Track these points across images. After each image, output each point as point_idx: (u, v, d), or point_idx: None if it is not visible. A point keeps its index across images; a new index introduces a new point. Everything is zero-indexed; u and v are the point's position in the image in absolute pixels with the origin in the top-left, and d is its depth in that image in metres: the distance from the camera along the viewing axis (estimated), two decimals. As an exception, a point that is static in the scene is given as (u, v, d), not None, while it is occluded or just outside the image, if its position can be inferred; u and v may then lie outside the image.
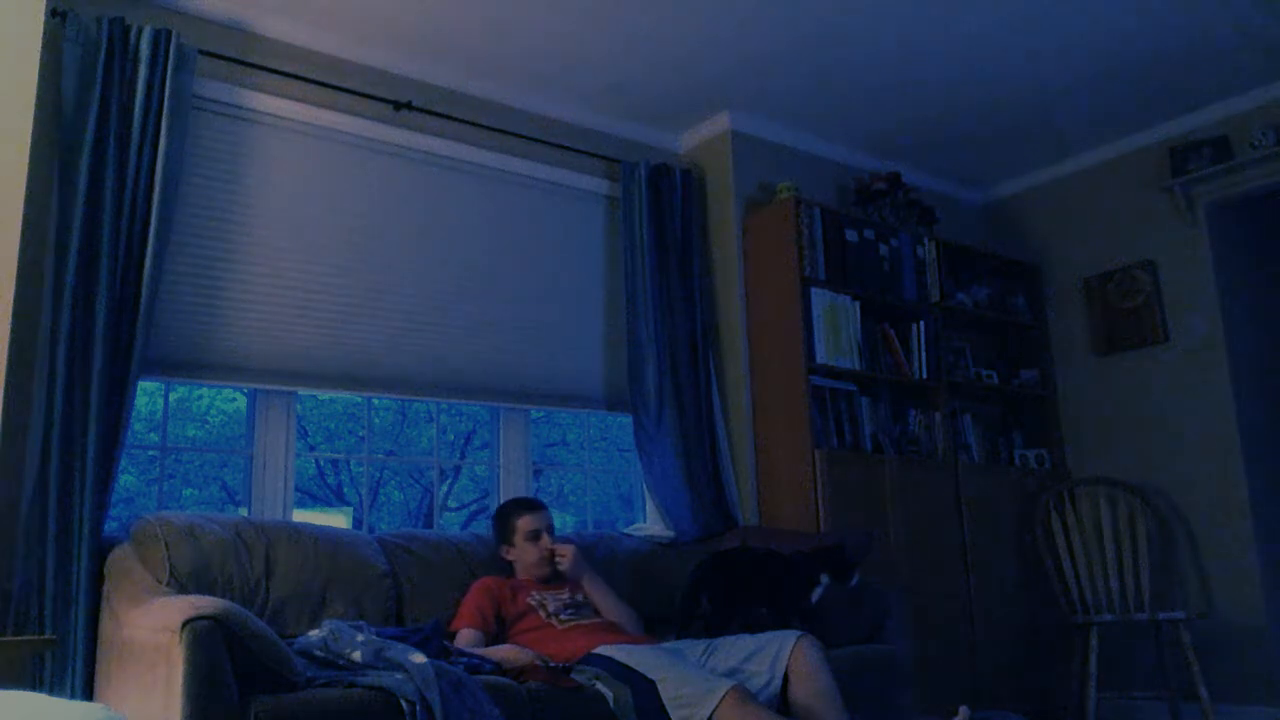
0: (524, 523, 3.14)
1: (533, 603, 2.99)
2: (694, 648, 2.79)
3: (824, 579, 3.10)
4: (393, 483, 7.10)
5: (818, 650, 2.67)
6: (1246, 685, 4.02)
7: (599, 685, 2.48)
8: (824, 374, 3.99)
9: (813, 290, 4.00)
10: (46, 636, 2.53)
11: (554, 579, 3.15)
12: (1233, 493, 4.18)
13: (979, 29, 3.69)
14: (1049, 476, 4.64)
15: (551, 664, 2.58)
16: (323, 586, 2.79)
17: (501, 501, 3.42)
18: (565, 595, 3.07)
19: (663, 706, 2.39)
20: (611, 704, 2.43)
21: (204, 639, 1.99)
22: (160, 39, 3.02)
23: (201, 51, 3.16)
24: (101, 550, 2.68)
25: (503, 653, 2.61)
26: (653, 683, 2.44)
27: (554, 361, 3.89)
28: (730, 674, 2.60)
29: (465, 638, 2.85)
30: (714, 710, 2.33)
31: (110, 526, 2.78)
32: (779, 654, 2.66)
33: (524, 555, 3.13)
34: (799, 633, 2.72)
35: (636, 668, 2.51)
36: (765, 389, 4.05)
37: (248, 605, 2.57)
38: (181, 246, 3.12)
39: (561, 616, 2.96)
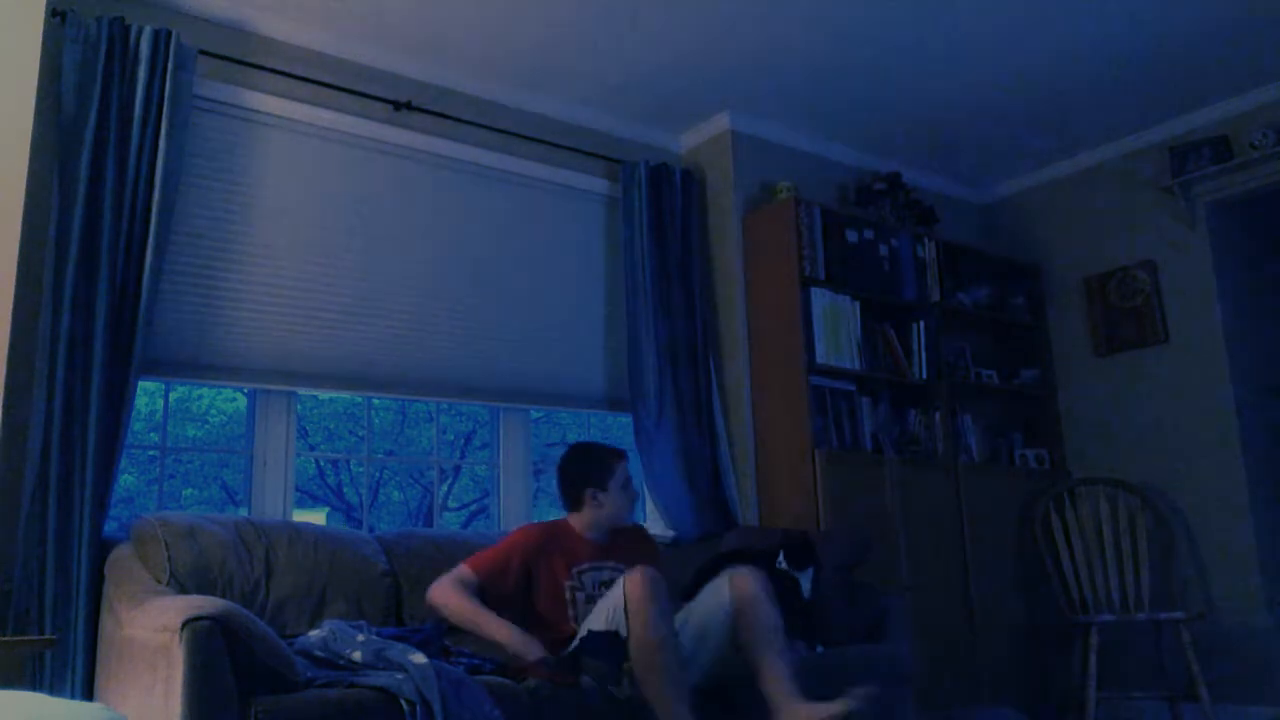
0: (623, 469, 2.96)
1: (570, 585, 2.85)
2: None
3: (785, 564, 3.08)
4: (393, 483, 7.11)
5: (757, 582, 2.63)
6: (1246, 685, 4.02)
7: (585, 677, 2.51)
8: (824, 374, 3.99)
9: (813, 290, 4.00)
10: (46, 636, 2.53)
11: (614, 540, 2.99)
12: (1233, 493, 4.18)
13: (979, 29, 3.69)
14: (1049, 476, 4.64)
15: (553, 661, 2.57)
16: (323, 586, 2.79)
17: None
18: (607, 575, 2.91)
19: (623, 641, 2.46)
20: (595, 679, 2.47)
21: (204, 639, 1.99)
22: (160, 39, 3.02)
23: (201, 51, 3.17)
24: (101, 550, 2.68)
25: (514, 640, 2.60)
26: (605, 632, 2.52)
27: (554, 361, 3.89)
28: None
29: (460, 577, 2.77)
30: (625, 597, 2.45)
31: (110, 526, 2.78)
32: (720, 587, 2.67)
33: (613, 504, 2.94)
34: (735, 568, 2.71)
35: (592, 627, 2.59)
36: (765, 389, 4.05)
37: (248, 605, 2.57)
38: (181, 246, 3.12)
39: (585, 608, 2.83)
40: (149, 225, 2.92)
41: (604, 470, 2.95)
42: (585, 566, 2.90)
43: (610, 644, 2.45)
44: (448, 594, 2.74)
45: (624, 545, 3.01)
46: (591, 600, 2.83)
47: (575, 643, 2.60)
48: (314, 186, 3.44)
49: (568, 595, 2.85)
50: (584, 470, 2.97)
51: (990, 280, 4.83)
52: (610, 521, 2.96)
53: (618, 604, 2.48)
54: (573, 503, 2.98)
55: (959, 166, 4.96)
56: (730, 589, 2.62)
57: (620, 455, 3.01)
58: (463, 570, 2.79)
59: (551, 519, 3.05)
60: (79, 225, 2.80)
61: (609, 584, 2.86)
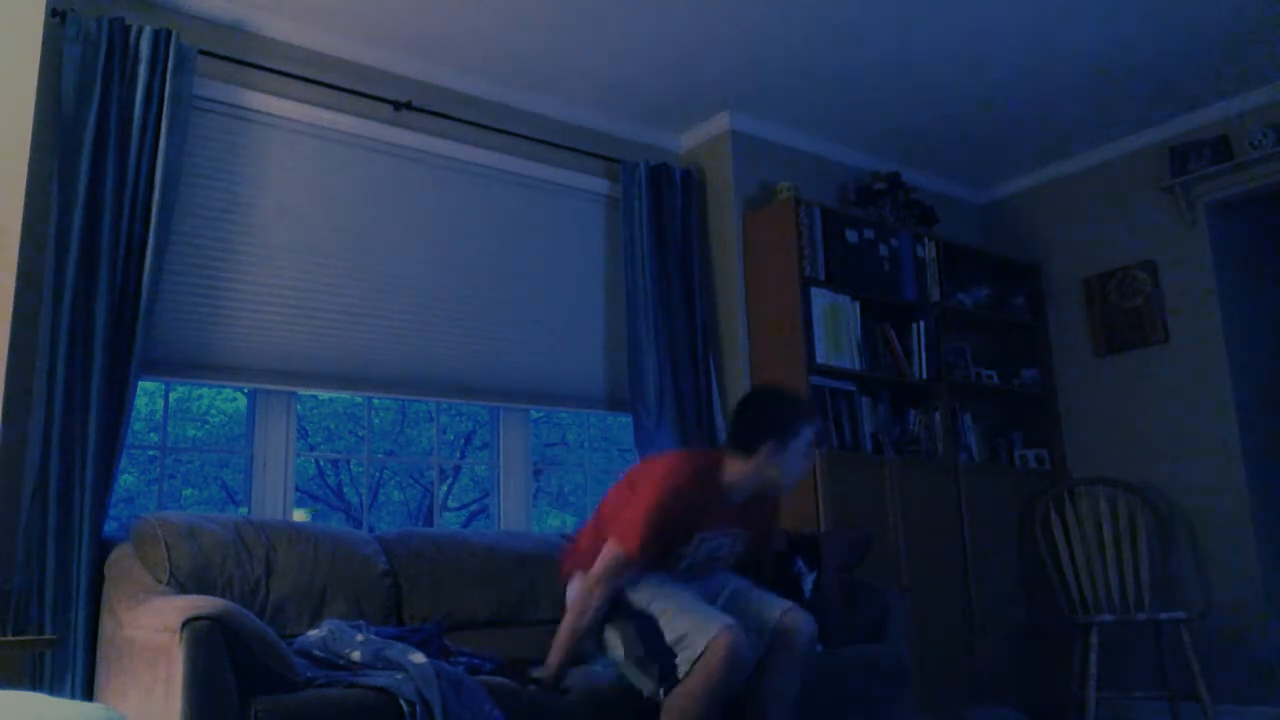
0: (810, 433, 2.60)
1: (681, 550, 2.56)
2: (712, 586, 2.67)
3: (801, 565, 3.07)
4: (393, 483, 7.10)
5: (805, 636, 2.56)
6: (1246, 685, 4.02)
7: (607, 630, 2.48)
8: (824, 374, 3.99)
9: (813, 290, 4.00)
10: (46, 636, 2.53)
11: (747, 506, 2.66)
12: (1233, 493, 4.18)
13: (979, 29, 3.69)
14: (1049, 476, 4.64)
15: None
16: (323, 586, 2.79)
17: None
18: (716, 542, 2.64)
19: (665, 643, 2.38)
20: (619, 651, 2.43)
21: (204, 639, 1.99)
22: (160, 39, 3.02)
23: (201, 51, 3.16)
24: (101, 550, 2.68)
25: (550, 666, 2.51)
26: (654, 619, 2.42)
27: (554, 361, 3.89)
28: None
29: (616, 568, 2.46)
30: (704, 650, 2.31)
31: (110, 526, 2.78)
32: (770, 612, 2.58)
33: (788, 466, 2.58)
34: (789, 605, 2.60)
35: (637, 605, 2.46)
36: (765, 389, 4.04)
37: (248, 605, 2.57)
38: (181, 247, 3.12)
39: (679, 569, 2.59)
40: (149, 225, 2.92)
41: (790, 429, 2.55)
42: (709, 534, 2.59)
43: (663, 669, 2.39)
44: (580, 595, 2.51)
45: (752, 514, 2.70)
46: (691, 570, 2.60)
47: (638, 628, 2.46)
48: (314, 186, 3.44)
49: (673, 558, 2.57)
50: (775, 419, 2.56)
51: (990, 280, 4.83)
52: (774, 483, 2.61)
53: (696, 650, 2.33)
54: (745, 447, 2.56)
55: (959, 166, 4.96)
56: (779, 626, 2.55)
57: (814, 417, 2.64)
58: (620, 557, 2.46)
59: (700, 455, 2.70)
60: (79, 225, 2.79)
61: (717, 558, 2.64)
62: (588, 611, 2.50)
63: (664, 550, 2.52)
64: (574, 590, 2.61)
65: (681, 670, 2.35)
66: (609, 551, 2.48)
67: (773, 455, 2.54)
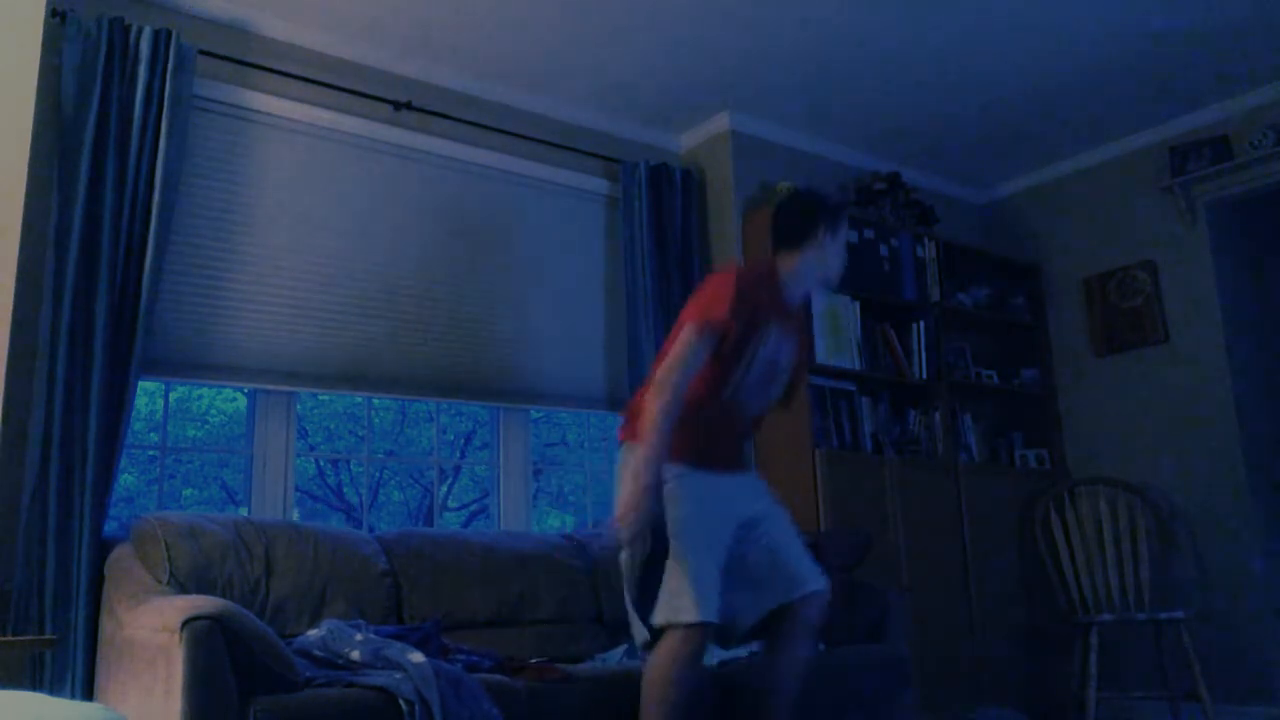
0: (846, 219, 2.66)
1: (752, 344, 2.46)
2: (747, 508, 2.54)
3: None
4: (393, 483, 7.11)
5: (818, 612, 2.49)
6: (1246, 685, 4.02)
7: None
8: (824, 374, 3.99)
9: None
10: (46, 636, 2.53)
11: (793, 309, 2.65)
12: (1233, 493, 4.18)
13: (979, 29, 3.69)
14: (1049, 476, 4.64)
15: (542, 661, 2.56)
16: (323, 586, 2.79)
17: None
18: (789, 346, 2.59)
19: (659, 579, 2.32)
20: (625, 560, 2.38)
21: (204, 639, 1.99)
22: (160, 39, 3.02)
23: (201, 51, 3.17)
24: (101, 550, 2.68)
25: (640, 476, 2.28)
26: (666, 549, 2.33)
27: (554, 361, 3.89)
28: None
29: (688, 344, 2.35)
30: (679, 626, 2.27)
31: (110, 526, 2.78)
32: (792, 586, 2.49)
33: (835, 254, 2.61)
34: (818, 589, 2.50)
35: (668, 498, 2.35)
36: (765, 389, 4.04)
37: (248, 605, 2.57)
38: (181, 246, 3.12)
39: (745, 383, 2.49)
40: (149, 225, 2.92)
41: (838, 211, 2.62)
42: (775, 331, 2.53)
43: (643, 602, 2.35)
44: (659, 381, 2.36)
45: (795, 328, 2.68)
46: (771, 369, 2.53)
47: (640, 587, 2.39)
48: (314, 186, 3.44)
49: (754, 347, 2.47)
50: (820, 207, 2.60)
51: (990, 280, 4.83)
52: (819, 274, 2.61)
53: (674, 617, 2.30)
54: (799, 240, 2.58)
55: (959, 166, 4.96)
56: (802, 603, 2.47)
57: (844, 215, 2.67)
58: (704, 327, 2.38)
59: (754, 261, 2.66)
60: (79, 225, 2.80)
61: (777, 370, 2.57)
62: (668, 396, 2.32)
63: (742, 338, 2.43)
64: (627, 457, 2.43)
65: (656, 617, 2.30)
66: (689, 329, 2.37)
67: (827, 239, 2.58)
